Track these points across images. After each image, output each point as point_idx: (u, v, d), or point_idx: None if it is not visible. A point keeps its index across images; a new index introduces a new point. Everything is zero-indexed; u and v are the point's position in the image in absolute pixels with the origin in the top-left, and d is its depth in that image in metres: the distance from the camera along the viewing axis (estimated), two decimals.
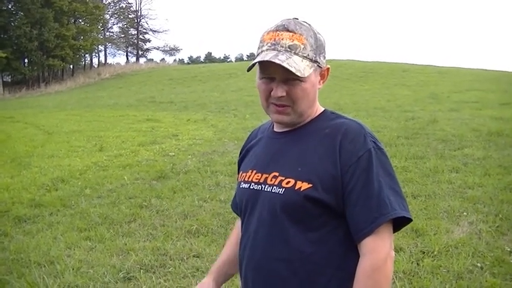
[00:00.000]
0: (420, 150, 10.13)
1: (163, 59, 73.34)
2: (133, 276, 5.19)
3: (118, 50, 72.13)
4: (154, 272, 5.26)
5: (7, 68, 50.05)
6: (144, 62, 63.49)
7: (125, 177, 9.48)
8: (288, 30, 1.84)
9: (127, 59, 70.27)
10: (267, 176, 1.91)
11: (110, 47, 70.70)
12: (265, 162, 1.97)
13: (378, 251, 1.75)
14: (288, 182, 1.84)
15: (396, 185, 1.85)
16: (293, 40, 1.82)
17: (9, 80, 55.23)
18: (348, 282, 1.77)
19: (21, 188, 9.15)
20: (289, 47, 1.81)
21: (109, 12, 67.90)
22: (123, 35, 71.59)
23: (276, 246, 1.85)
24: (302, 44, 1.82)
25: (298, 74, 1.78)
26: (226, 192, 7.97)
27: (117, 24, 71.49)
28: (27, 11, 48.71)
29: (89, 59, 67.08)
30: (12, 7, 52.43)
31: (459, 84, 24.19)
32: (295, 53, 1.81)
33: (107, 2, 67.56)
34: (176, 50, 76.27)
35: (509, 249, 5.35)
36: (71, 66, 59.94)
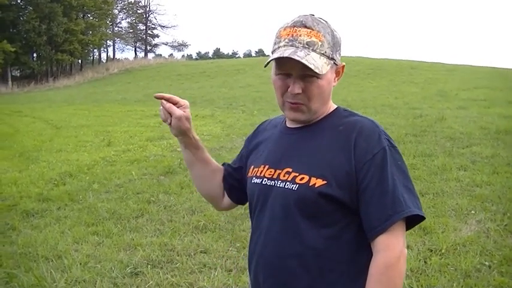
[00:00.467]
0: (428, 148, 10.11)
1: (172, 54, 73.56)
2: (140, 271, 5.20)
3: (126, 45, 72.39)
4: (161, 268, 5.27)
5: (16, 63, 50.29)
6: (153, 58, 63.69)
7: (133, 173, 9.49)
8: (305, 27, 1.82)
9: (135, 54, 70.53)
10: (280, 171, 1.91)
11: (119, 42, 70.99)
12: (277, 157, 1.96)
13: (392, 248, 1.75)
14: (302, 178, 1.83)
15: (410, 183, 1.84)
16: (311, 37, 1.81)
17: (18, 75, 55.50)
18: (360, 278, 1.77)
19: (29, 182, 9.19)
20: (307, 44, 1.80)
21: (118, 7, 68.18)
22: (131, 30, 71.74)
23: (289, 242, 1.85)
24: (320, 41, 1.81)
25: (316, 71, 1.77)
26: None
27: (125, 19, 71.84)
28: (36, 6, 48.90)
29: (97, 54, 67.50)
30: (21, 2, 52.66)
31: (467, 81, 24.07)
32: (313, 50, 1.80)
33: None
34: (184, 46, 76.36)
35: None
36: (80, 61, 60.18)
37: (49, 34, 49.47)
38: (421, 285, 4.65)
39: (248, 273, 2.08)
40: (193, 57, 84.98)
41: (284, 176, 1.89)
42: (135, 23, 71.92)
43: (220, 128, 14.80)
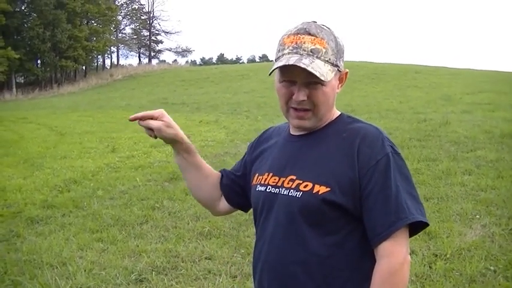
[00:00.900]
0: (432, 152, 10.10)
1: (176, 60, 73.71)
2: (145, 278, 5.20)
3: (130, 51, 72.63)
4: (166, 274, 5.27)
5: (20, 69, 50.48)
6: (157, 63, 63.86)
7: (137, 179, 9.50)
8: (309, 34, 1.83)
9: (139, 60, 70.71)
10: (284, 179, 1.91)
11: (123, 48, 71.23)
12: (281, 165, 1.96)
13: (395, 255, 1.75)
14: (306, 185, 1.84)
15: (413, 190, 1.84)
16: (315, 44, 1.81)
17: (22, 81, 55.69)
18: (364, 285, 1.78)
19: (34, 189, 9.20)
20: (311, 51, 1.80)
21: (121, 14, 68.38)
22: (135, 36, 71.94)
23: (293, 249, 1.85)
24: (324, 48, 1.82)
25: (322, 78, 1.78)
26: None
27: (129, 25, 72.04)
28: (40, 13, 49.09)
29: (101, 60, 67.62)
30: (25, 9, 52.92)
31: (471, 85, 24.04)
32: (317, 57, 1.80)
33: (120, 3, 68.03)
34: (188, 52, 76.53)
35: None
36: (84, 68, 60.29)
37: (53, 41, 49.63)
38: None
39: (253, 279, 2.08)
40: (197, 62, 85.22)
41: (288, 183, 1.89)
42: (139, 29, 72.13)
43: (224, 133, 14.81)
